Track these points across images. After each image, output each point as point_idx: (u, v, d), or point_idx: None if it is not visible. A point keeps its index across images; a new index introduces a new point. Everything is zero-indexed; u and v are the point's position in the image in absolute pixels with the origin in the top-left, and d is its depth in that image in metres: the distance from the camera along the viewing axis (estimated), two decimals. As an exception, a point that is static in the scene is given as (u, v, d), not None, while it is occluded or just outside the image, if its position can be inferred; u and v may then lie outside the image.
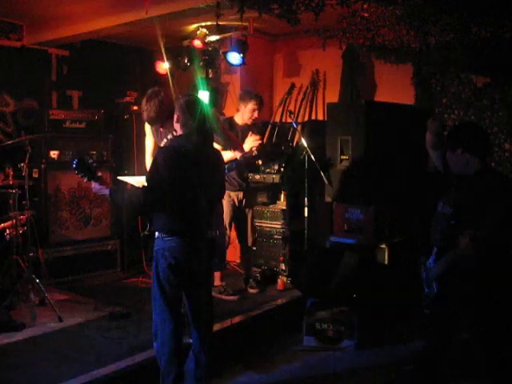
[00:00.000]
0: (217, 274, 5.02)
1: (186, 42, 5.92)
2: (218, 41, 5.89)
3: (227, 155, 4.33)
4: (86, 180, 3.15)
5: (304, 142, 5.09)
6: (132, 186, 3.63)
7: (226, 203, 4.95)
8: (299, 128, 5.43)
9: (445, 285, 3.31)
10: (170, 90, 4.70)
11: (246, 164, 4.77)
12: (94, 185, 3.15)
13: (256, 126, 5.20)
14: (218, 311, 3.76)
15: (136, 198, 3.07)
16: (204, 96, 5.63)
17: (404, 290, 4.48)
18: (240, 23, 5.18)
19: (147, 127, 4.43)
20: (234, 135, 4.67)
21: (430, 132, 3.46)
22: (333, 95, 6.27)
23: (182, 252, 3.09)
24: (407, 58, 5.21)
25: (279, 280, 5.38)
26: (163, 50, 5.48)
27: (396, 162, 5.07)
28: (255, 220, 5.43)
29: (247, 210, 5.22)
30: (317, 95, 6.53)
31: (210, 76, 6.09)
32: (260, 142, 4.80)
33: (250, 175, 5.40)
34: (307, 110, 6.52)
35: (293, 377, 3.98)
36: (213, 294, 3.77)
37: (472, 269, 3.15)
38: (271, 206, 5.79)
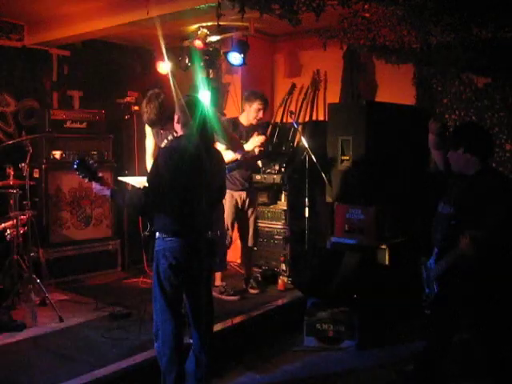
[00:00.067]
0: (217, 275, 5.03)
1: (186, 42, 5.93)
2: (218, 41, 5.91)
3: (228, 155, 4.34)
4: (86, 180, 3.15)
5: (305, 143, 5.09)
6: (133, 186, 3.64)
7: (228, 203, 4.95)
8: (300, 128, 5.44)
9: (445, 285, 3.31)
10: (170, 90, 4.70)
11: (247, 164, 4.77)
12: (95, 185, 3.15)
13: (261, 126, 5.21)
14: (218, 311, 3.75)
15: (137, 198, 3.09)
16: (205, 96, 5.64)
17: (405, 290, 4.48)
18: (241, 23, 5.21)
19: (147, 128, 4.43)
20: (235, 135, 4.67)
21: (432, 132, 3.47)
22: (334, 95, 6.27)
23: (182, 252, 3.09)
24: (408, 58, 5.20)
25: (280, 280, 5.38)
26: (164, 51, 5.46)
27: (397, 163, 5.07)
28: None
29: (250, 210, 5.21)
30: (318, 95, 6.52)
31: (211, 76, 6.11)
32: (264, 141, 4.81)
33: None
34: (308, 110, 6.52)
35: (293, 377, 3.97)
36: (213, 294, 3.76)
37: (472, 269, 3.15)
38: (272, 206, 5.79)
